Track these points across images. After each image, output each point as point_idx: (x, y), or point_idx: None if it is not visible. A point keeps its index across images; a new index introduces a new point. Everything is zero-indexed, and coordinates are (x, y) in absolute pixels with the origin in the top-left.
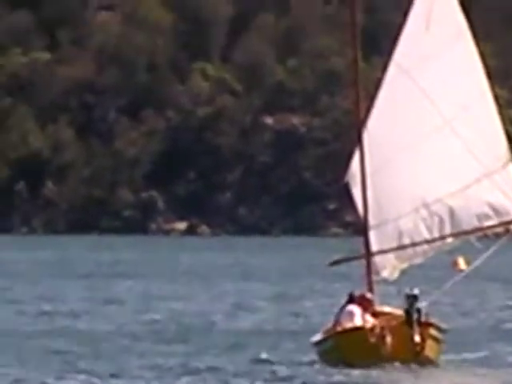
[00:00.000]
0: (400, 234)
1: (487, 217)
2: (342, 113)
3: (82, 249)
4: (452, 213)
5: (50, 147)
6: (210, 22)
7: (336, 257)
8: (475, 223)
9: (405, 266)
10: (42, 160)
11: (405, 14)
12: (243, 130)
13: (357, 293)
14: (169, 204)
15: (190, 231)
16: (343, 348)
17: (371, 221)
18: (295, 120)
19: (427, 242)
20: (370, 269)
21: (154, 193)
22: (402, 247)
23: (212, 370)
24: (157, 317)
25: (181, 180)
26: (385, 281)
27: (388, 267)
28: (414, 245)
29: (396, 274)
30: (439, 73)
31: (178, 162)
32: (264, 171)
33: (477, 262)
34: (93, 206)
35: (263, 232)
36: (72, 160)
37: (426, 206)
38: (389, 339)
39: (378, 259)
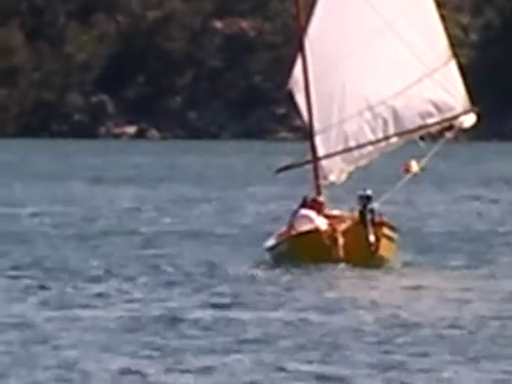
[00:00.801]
0: (345, 137)
1: (430, 114)
2: (292, 17)
3: (33, 152)
4: (395, 113)
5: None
6: None
7: (284, 161)
8: (419, 122)
9: (351, 168)
10: None
11: None
12: (193, 34)
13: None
14: (119, 108)
15: (140, 135)
16: (298, 250)
17: (316, 126)
18: (245, 24)
19: (372, 143)
20: (317, 173)
21: (103, 97)
22: (347, 150)
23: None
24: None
25: (131, 84)
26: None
27: (335, 171)
28: (359, 147)
29: (343, 177)
30: None
31: (128, 67)
32: (214, 75)
33: (423, 161)
34: (43, 109)
35: (213, 136)
36: (22, 64)
37: (370, 108)
38: (343, 240)
39: (324, 163)
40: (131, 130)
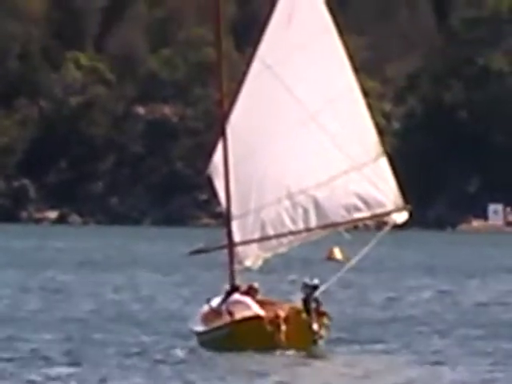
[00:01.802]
0: (262, 225)
1: (356, 208)
2: (213, 103)
3: None
4: (317, 204)
5: None
6: (83, 11)
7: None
8: (343, 214)
9: (269, 255)
10: None
11: (270, 9)
12: (115, 120)
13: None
14: (40, 193)
15: (61, 220)
16: (240, 336)
17: (234, 211)
18: (167, 110)
19: (292, 233)
20: (232, 258)
21: (25, 181)
22: (264, 238)
23: None
24: None
25: (53, 169)
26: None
27: (251, 257)
28: (277, 236)
29: (259, 263)
30: (302, 68)
31: (51, 151)
32: (136, 161)
33: (362, 252)
34: None
35: (135, 222)
36: None
37: (290, 196)
38: (286, 327)
39: (240, 249)
40: (53, 214)
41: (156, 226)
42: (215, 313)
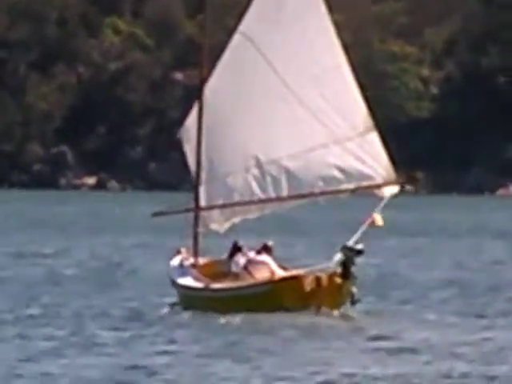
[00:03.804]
0: (229, 191)
1: (336, 180)
2: None
3: None
4: (289, 174)
5: None
6: None
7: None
8: (320, 185)
9: (237, 220)
10: None
11: None
12: (153, 86)
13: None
14: (79, 159)
15: (100, 186)
16: (280, 295)
17: (202, 176)
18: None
19: (262, 201)
20: (196, 221)
21: (64, 147)
22: (228, 205)
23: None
24: None
25: (91, 135)
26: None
27: (217, 221)
28: (243, 203)
29: (226, 227)
30: (285, 43)
31: (89, 117)
32: (174, 127)
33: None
34: (2, 160)
35: (173, 188)
36: None
37: (259, 165)
38: (325, 289)
39: (205, 213)
40: (91, 180)
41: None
42: (219, 271)
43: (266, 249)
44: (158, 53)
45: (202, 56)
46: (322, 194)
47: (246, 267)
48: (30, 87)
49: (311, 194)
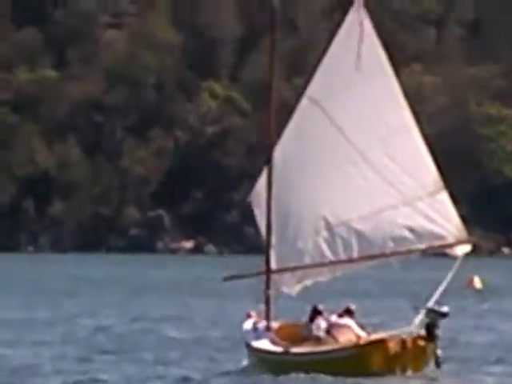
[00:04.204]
0: (300, 254)
1: (407, 240)
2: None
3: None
4: (360, 235)
5: (58, 165)
6: (218, 41)
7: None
8: (391, 245)
9: (308, 282)
10: (49, 178)
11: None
12: (250, 150)
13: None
14: (176, 223)
15: (197, 250)
16: (366, 359)
17: (272, 240)
18: None
19: (332, 263)
20: (268, 284)
21: (161, 211)
22: (299, 267)
23: None
24: None
25: (188, 199)
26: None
27: (288, 284)
28: (314, 266)
29: (297, 290)
30: (352, 105)
31: (186, 181)
32: None
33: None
34: (100, 224)
35: None
36: (79, 178)
37: (328, 228)
38: (411, 352)
39: (276, 276)
40: (188, 244)
41: None
42: (297, 336)
43: (348, 312)
44: (255, 117)
45: (271, 122)
46: (393, 254)
47: (328, 331)
48: (127, 151)
49: (382, 255)
